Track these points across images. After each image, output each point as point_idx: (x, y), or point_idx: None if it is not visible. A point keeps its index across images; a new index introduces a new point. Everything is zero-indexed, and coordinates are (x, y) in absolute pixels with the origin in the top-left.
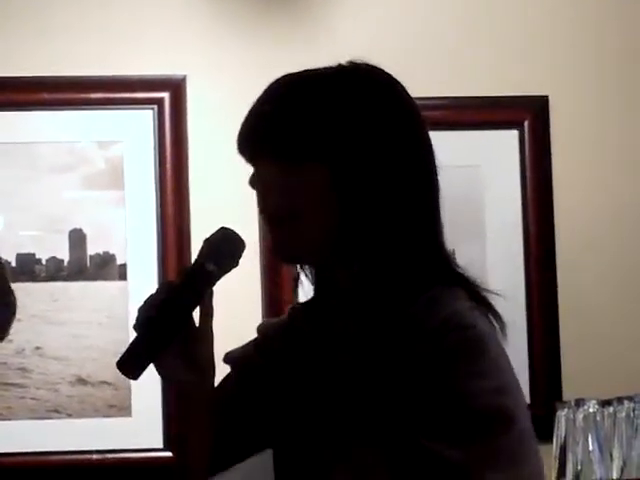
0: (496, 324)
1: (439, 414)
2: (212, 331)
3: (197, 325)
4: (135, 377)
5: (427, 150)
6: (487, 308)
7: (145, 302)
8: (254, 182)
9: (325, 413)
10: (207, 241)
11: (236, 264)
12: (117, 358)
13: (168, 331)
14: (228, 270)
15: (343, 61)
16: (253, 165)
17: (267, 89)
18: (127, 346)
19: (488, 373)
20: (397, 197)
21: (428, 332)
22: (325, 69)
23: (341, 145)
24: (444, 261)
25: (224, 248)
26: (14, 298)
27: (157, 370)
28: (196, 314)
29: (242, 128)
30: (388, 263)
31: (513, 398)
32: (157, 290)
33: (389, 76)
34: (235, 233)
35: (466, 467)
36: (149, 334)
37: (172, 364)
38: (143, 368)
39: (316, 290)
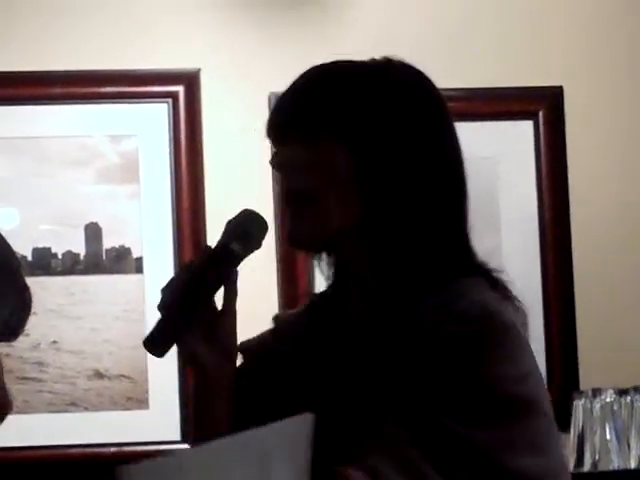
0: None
1: (463, 397)
2: (235, 312)
3: (221, 306)
4: (160, 355)
5: (452, 141)
6: (509, 299)
7: (168, 283)
8: (275, 163)
9: (350, 396)
10: (231, 222)
11: (259, 245)
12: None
13: (191, 312)
14: (251, 251)
15: (368, 56)
16: (278, 148)
17: (297, 77)
18: (154, 325)
19: (512, 359)
20: (420, 186)
21: (452, 319)
22: (357, 60)
23: (362, 128)
24: (467, 252)
25: (248, 228)
26: (29, 294)
27: (180, 351)
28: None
29: (271, 113)
30: (408, 253)
31: (535, 386)
32: (180, 270)
33: (418, 71)
34: (258, 214)
35: (488, 449)
36: (173, 314)
37: (195, 345)
38: (168, 347)
39: (333, 279)
